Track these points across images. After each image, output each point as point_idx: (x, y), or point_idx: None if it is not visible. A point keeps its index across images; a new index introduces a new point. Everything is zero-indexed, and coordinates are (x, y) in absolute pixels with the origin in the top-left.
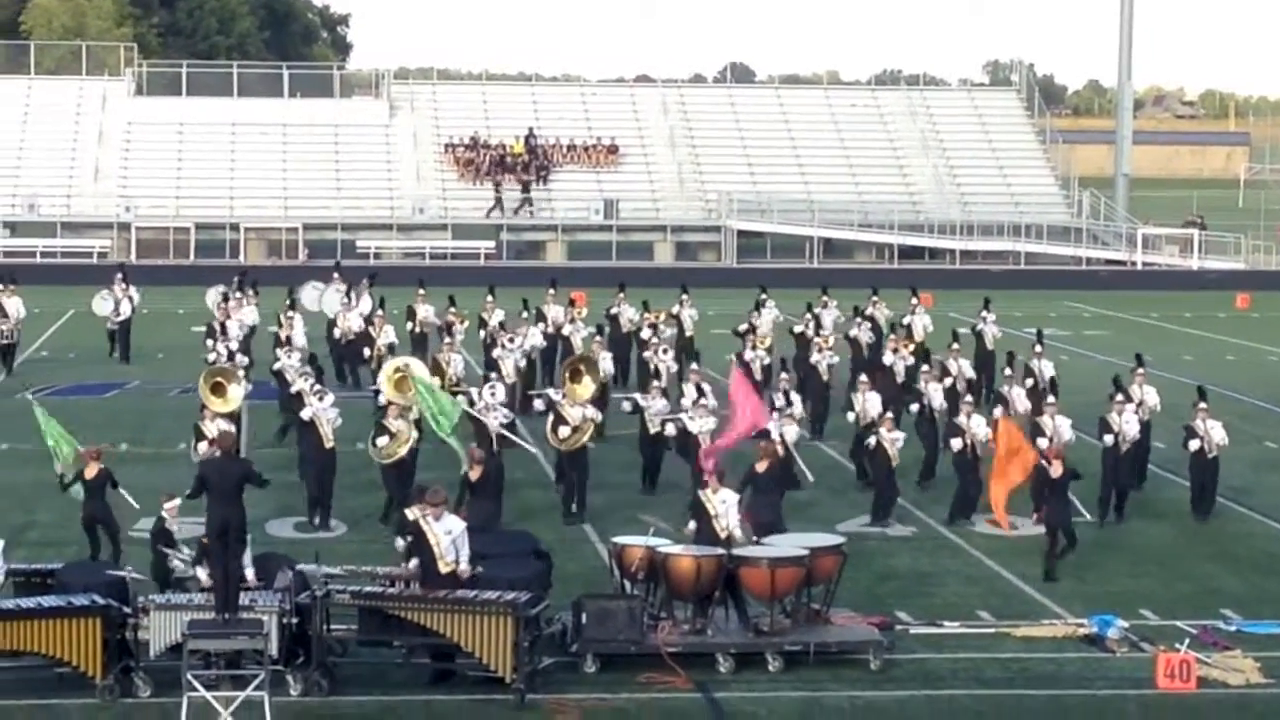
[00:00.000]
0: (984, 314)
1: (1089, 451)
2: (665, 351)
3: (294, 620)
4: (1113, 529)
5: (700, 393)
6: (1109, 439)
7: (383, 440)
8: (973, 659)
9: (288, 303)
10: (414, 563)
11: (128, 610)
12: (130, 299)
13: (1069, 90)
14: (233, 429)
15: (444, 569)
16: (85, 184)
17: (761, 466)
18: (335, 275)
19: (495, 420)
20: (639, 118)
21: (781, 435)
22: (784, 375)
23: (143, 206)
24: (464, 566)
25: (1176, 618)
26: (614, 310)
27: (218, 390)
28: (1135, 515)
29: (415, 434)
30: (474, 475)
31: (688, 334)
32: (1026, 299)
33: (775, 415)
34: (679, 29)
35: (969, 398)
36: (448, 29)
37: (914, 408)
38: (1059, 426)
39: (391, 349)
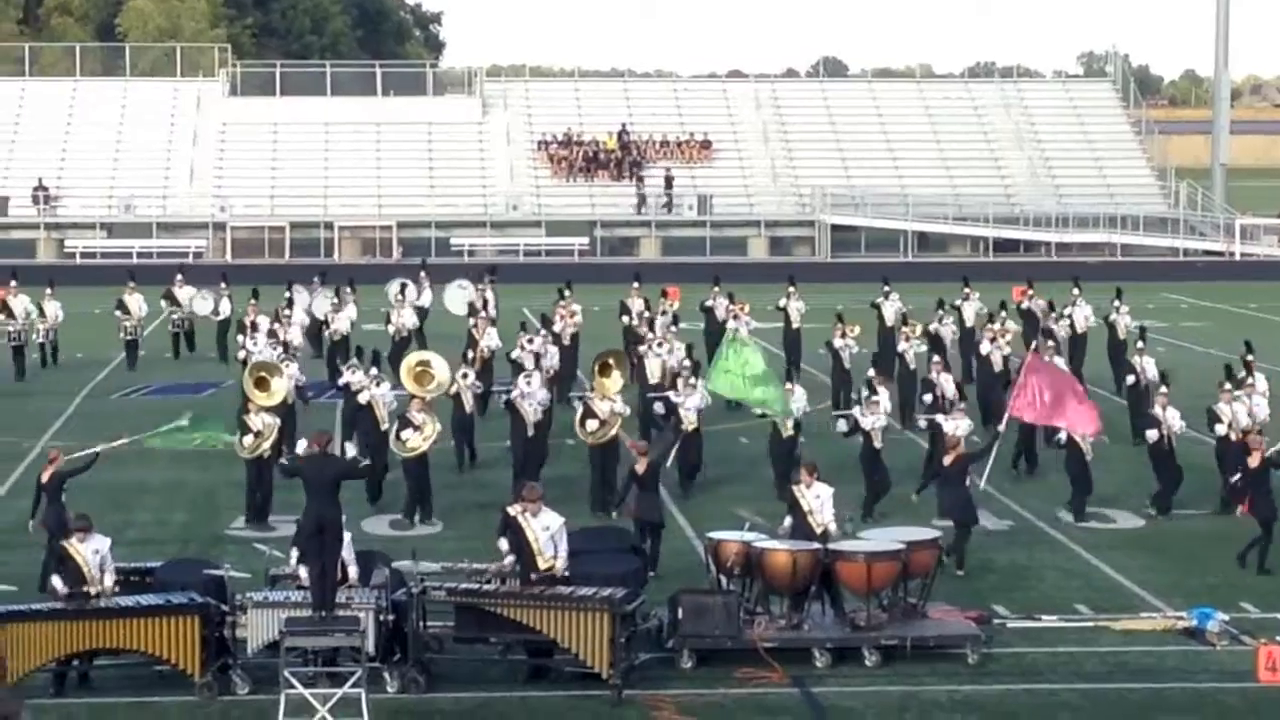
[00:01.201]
0: (1116, 304)
1: (1188, 445)
2: (659, 345)
3: (391, 617)
4: (1212, 520)
5: (872, 390)
6: (1220, 429)
7: (406, 433)
8: (1071, 653)
9: (286, 299)
10: (509, 559)
11: (226, 608)
12: (229, 298)
13: (1165, 81)
14: (278, 422)
15: (542, 565)
16: (181, 185)
17: (949, 460)
18: (422, 274)
19: (532, 408)
20: (732, 113)
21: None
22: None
23: (238, 206)
24: (561, 563)
25: (1277, 610)
26: (709, 303)
27: (261, 385)
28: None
29: (438, 428)
30: (640, 469)
31: (794, 326)
32: (1124, 291)
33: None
34: (771, 23)
35: (1164, 388)
36: (540, 26)
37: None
38: (1169, 418)
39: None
